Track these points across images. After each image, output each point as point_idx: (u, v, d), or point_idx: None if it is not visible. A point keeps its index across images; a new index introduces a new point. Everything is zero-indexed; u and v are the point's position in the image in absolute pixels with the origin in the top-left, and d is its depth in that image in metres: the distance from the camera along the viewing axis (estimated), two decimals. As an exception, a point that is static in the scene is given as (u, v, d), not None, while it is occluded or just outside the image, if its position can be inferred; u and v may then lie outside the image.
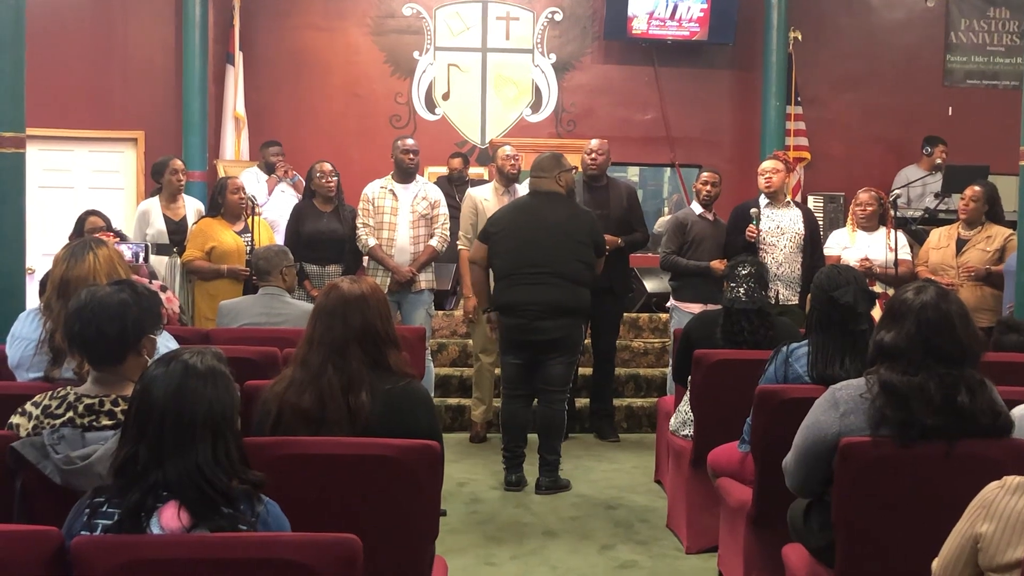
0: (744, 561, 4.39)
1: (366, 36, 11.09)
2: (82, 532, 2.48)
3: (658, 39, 11.00)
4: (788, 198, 7.50)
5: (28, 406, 3.06)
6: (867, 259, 7.25)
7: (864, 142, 11.27)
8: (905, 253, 7.47)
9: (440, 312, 8.82)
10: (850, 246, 7.44)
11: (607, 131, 9.58)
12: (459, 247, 7.50)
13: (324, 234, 7.42)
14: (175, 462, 2.49)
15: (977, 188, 7.37)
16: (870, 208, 7.45)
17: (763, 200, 7.31)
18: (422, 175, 7.84)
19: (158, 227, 7.57)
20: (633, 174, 13.45)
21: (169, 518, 2.45)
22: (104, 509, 2.50)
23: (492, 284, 6.59)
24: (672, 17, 10.91)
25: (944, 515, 2.78)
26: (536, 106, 11.27)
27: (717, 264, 7.19)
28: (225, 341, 4.18)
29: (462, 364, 8.68)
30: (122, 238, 6.66)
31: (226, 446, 2.56)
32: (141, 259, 4.50)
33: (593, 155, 7.50)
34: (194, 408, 2.53)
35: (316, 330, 3.45)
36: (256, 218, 7.50)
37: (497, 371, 7.17)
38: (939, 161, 10.05)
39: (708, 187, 7.48)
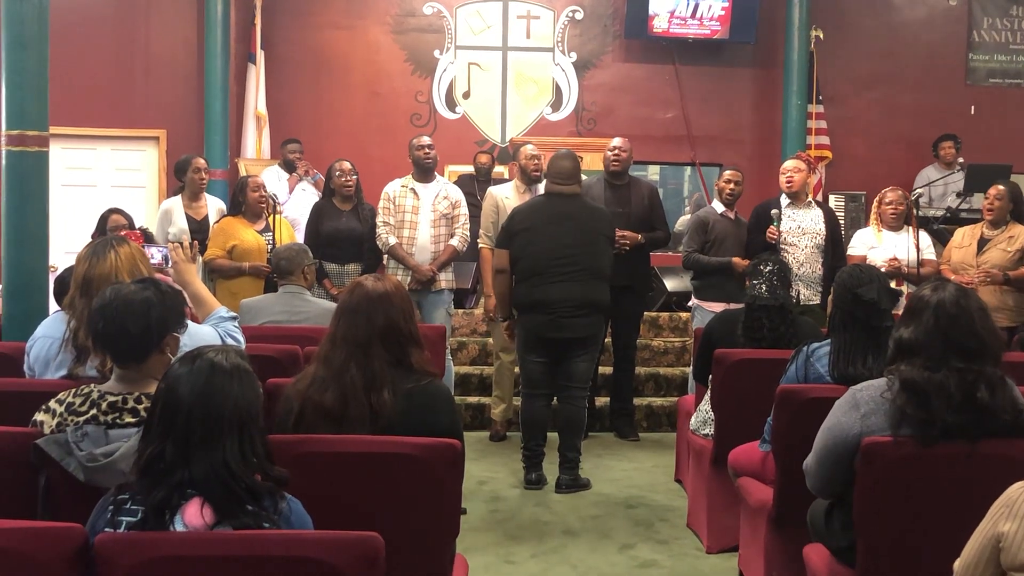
0: (765, 561, 4.38)
1: (387, 35, 11.13)
2: (106, 529, 2.50)
3: (679, 38, 11.00)
4: (809, 198, 7.47)
5: (52, 403, 3.07)
6: (895, 259, 7.20)
7: (886, 141, 11.24)
8: (930, 253, 7.42)
9: (460, 311, 8.83)
10: (877, 246, 7.36)
11: (627, 130, 9.58)
12: (480, 245, 7.50)
13: (343, 233, 7.42)
14: (201, 459, 2.50)
15: (1001, 187, 7.32)
16: (900, 207, 7.40)
17: (784, 200, 7.28)
18: (441, 174, 7.84)
19: (180, 226, 7.59)
20: (653, 173, 13.42)
21: (192, 515, 2.46)
22: (128, 506, 2.52)
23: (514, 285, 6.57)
24: (693, 16, 10.91)
25: (966, 515, 2.77)
26: (556, 105, 11.29)
27: (738, 260, 7.18)
28: (246, 339, 4.18)
29: (482, 363, 8.69)
30: (147, 237, 6.67)
31: (252, 442, 2.57)
32: (170, 264, 4.53)
33: (616, 152, 7.49)
34: (221, 405, 2.54)
35: (339, 328, 3.45)
36: (277, 217, 7.51)
37: (517, 370, 7.17)
38: (959, 159, 10.03)
39: (731, 186, 7.45)
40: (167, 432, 2.53)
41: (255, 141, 10.63)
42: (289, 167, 9.43)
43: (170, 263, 4.55)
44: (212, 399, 2.54)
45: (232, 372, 2.60)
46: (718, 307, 6.96)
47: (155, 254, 5.14)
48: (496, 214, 7.30)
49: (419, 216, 7.36)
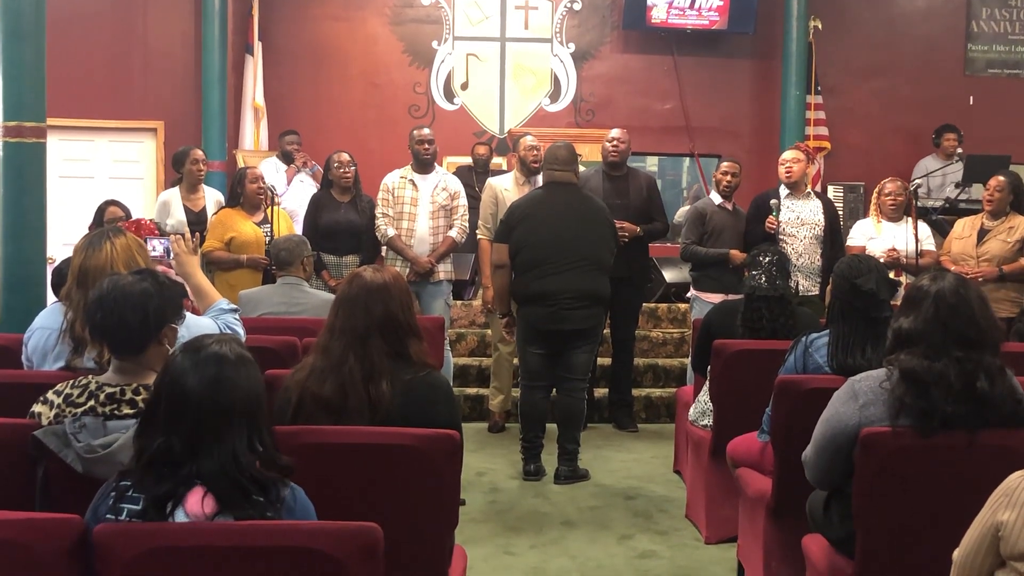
0: (763, 552, 4.38)
1: (385, 26, 11.11)
2: (108, 516, 2.49)
3: (677, 28, 10.98)
4: (808, 188, 7.46)
5: (50, 395, 3.07)
6: (895, 250, 7.19)
7: (884, 132, 11.23)
8: (930, 244, 7.42)
9: (458, 302, 8.83)
10: (876, 236, 7.36)
11: (626, 121, 9.56)
12: (479, 236, 7.49)
13: (341, 224, 7.41)
14: (211, 452, 2.48)
15: (1001, 178, 7.33)
16: (900, 198, 7.39)
17: (783, 190, 7.28)
18: (440, 165, 7.83)
19: (178, 217, 7.57)
20: (652, 164, 13.43)
21: (194, 504, 2.45)
22: (130, 494, 2.50)
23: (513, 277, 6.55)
24: (692, 6, 10.89)
25: (965, 505, 2.77)
26: (555, 96, 11.27)
27: (736, 253, 7.17)
28: (245, 331, 4.18)
29: (480, 354, 8.69)
30: (160, 230, 6.65)
31: (259, 432, 2.57)
32: (171, 256, 4.54)
33: (615, 142, 7.48)
34: (231, 397, 2.53)
35: (338, 318, 3.43)
36: (275, 208, 7.50)
37: (515, 361, 7.16)
38: (958, 150, 10.02)
39: (728, 177, 7.43)
40: (174, 426, 2.50)
41: (253, 133, 10.61)
42: (287, 158, 9.41)
43: (172, 255, 4.55)
44: (221, 391, 2.52)
45: (238, 362, 2.58)
46: (716, 298, 6.95)
47: (157, 246, 5.15)
48: (495, 205, 7.29)
49: (418, 208, 7.35)
